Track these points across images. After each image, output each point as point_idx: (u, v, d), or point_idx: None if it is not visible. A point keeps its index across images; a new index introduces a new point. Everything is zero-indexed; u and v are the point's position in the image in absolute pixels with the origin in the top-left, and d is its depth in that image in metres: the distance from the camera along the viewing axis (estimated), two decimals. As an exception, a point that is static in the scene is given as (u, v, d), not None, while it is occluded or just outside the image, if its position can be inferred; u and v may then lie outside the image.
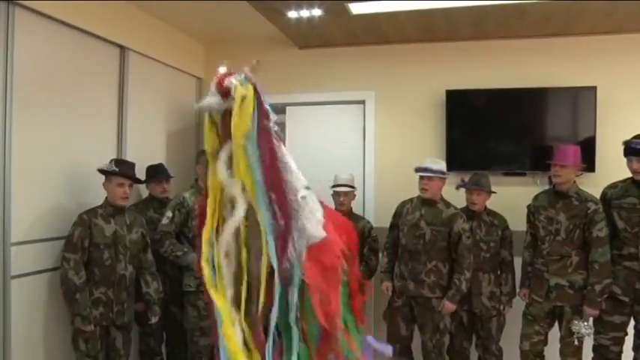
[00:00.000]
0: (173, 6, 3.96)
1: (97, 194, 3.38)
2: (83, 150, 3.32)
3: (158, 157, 4.35)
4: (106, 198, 3.33)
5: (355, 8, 3.76)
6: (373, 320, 4.36)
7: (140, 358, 4.10)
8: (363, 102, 4.74)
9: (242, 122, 1.74)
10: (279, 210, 1.79)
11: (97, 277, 3.22)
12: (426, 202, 3.73)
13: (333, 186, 4.05)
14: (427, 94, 4.53)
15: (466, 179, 3.86)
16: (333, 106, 4.85)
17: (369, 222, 4.13)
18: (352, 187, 4.07)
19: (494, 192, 3.83)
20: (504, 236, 3.83)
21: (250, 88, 1.77)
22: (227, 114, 1.80)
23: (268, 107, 1.85)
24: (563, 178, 3.45)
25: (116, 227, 3.31)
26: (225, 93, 1.78)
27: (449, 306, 3.62)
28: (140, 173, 4.10)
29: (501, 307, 3.78)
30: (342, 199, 3.99)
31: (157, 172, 4.04)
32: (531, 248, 3.69)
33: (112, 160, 3.33)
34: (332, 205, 3.93)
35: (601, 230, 3.36)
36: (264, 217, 1.80)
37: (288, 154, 1.91)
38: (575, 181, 3.53)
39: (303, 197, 1.84)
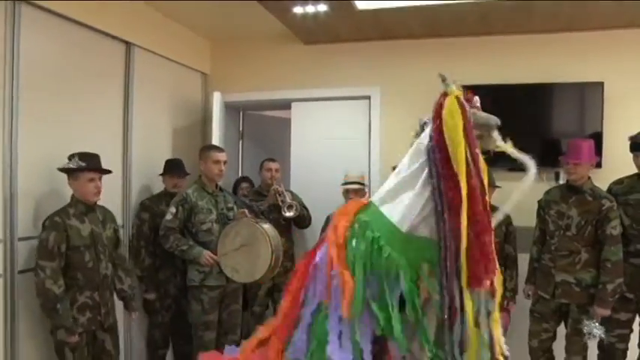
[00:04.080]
0: (179, 2, 3.96)
1: (104, 190, 3.37)
2: (90, 146, 3.32)
3: (164, 152, 4.37)
4: (73, 196, 3.12)
5: (361, 4, 3.75)
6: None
7: (146, 350, 4.14)
8: (368, 97, 4.73)
9: (460, 121, 1.85)
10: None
11: (80, 282, 3.03)
12: None
13: (344, 183, 4.06)
14: (433, 89, 4.47)
15: None
16: (338, 101, 4.84)
17: None
18: (363, 184, 4.07)
19: (498, 186, 3.81)
20: (508, 232, 3.80)
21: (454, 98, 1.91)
22: None
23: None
24: (578, 174, 3.40)
25: (92, 226, 3.12)
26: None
27: None
28: (147, 168, 4.15)
29: (505, 303, 3.76)
30: (352, 196, 4.01)
31: (172, 167, 4.07)
32: (540, 244, 3.66)
33: (74, 155, 3.09)
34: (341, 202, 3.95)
35: (615, 228, 3.31)
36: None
37: None
38: (589, 177, 3.48)
39: None
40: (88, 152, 3.15)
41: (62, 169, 3.10)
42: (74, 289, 3.02)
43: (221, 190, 3.90)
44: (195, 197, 3.72)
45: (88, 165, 3.09)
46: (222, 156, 3.82)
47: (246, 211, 3.67)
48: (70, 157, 3.10)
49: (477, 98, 1.97)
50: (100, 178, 3.18)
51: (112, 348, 3.26)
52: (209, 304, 3.69)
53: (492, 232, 1.84)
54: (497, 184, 3.82)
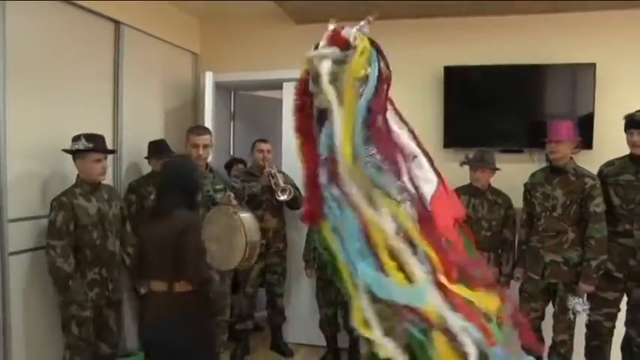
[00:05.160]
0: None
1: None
2: (79, 126, 3.29)
3: (155, 133, 4.34)
4: (78, 176, 3.19)
5: (352, -18, 3.70)
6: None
7: (139, 331, 4.15)
8: (360, 78, 4.70)
9: (357, 68, 1.77)
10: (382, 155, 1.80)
11: (89, 259, 3.15)
12: None
13: None
14: (425, 70, 4.49)
15: (470, 156, 3.83)
16: (330, 82, 4.80)
17: None
18: None
19: (498, 169, 3.82)
20: (507, 215, 3.82)
21: (366, 41, 1.79)
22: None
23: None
24: (560, 153, 3.45)
25: (98, 204, 3.22)
26: (343, 44, 1.77)
27: None
28: (137, 149, 4.12)
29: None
30: None
31: (158, 148, 4.04)
32: (527, 227, 3.70)
33: (79, 137, 3.13)
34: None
35: (598, 206, 3.37)
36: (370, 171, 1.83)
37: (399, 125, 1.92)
38: (572, 157, 3.53)
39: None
40: (93, 133, 3.19)
41: (68, 151, 3.11)
42: (83, 265, 3.13)
43: (211, 171, 3.86)
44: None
45: (95, 146, 3.15)
46: (200, 139, 3.71)
47: (232, 195, 3.63)
48: (76, 138, 3.13)
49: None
50: (105, 158, 3.24)
51: (114, 325, 3.36)
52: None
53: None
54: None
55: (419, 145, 1.97)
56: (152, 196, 3.65)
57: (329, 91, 1.80)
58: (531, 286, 3.60)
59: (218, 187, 3.82)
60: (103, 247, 3.21)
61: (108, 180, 3.80)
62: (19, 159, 3.08)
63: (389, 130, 1.81)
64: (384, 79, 1.79)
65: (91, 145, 3.12)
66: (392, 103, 1.92)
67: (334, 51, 1.82)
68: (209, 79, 4.53)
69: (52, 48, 3.35)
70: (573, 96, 4.23)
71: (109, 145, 3.80)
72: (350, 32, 1.79)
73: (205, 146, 3.74)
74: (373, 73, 1.75)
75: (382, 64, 1.81)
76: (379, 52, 1.79)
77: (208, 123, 4.40)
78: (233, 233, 3.35)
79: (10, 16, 2.97)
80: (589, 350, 3.61)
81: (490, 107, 4.33)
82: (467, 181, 3.88)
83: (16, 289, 3.06)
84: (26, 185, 3.16)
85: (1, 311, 2.99)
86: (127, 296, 3.84)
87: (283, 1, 4.19)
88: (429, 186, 1.92)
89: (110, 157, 3.81)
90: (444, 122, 4.40)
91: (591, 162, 3.69)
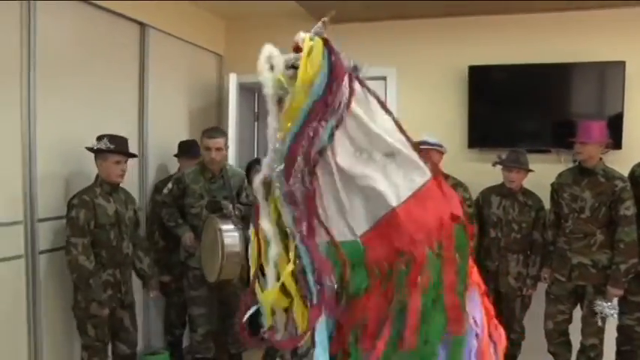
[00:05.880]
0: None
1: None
2: (107, 127, 3.34)
3: (179, 133, 4.39)
4: (98, 176, 3.20)
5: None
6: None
7: (163, 330, 4.20)
8: (384, 79, 4.68)
9: (308, 72, 1.66)
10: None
11: (104, 260, 3.14)
12: None
13: None
14: (449, 70, 4.46)
15: (503, 156, 3.76)
16: (354, 82, 4.79)
17: None
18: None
19: (532, 170, 3.76)
20: (538, 217, 3.73)
21: (319, 41, 1.71)
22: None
23: (349, 64, 1.77)
24: (586, 155, 3.38)
25: (116, 205, 3.23)
26: (296, 49, 1.72)
27: None
28: (162, 149, 4.17)
29: (525, 289, 3.71)
30: None
31: (186, 149, 4.09)
32: (554, 227, 3.64)
33: (103, 137, 3.15)
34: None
35: (628, 209, 3.29)
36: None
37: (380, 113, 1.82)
38: (601, 158, 3.45)
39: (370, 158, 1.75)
40: (117, 135, 3.22)
41: (90, 149, 3.15)
42: (98, 266, 3.12)
43: (223, 176, 3.76)
44: (191, 180, 3.70)
45: (116, 147, 3.16)
46: (212, 142, 3.64)
47: (230, 206, 3.57)
48: (100, 138, 3.16)
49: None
50: (125, 161, 3.25)
51: (130, 325, 3.36)
52: (194, 280, 3.72)
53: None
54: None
55: (406, 138, 1.86)
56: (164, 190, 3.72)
57: (269, 100, 1.79)
58: (558, 288, 3.53)
59: (225, 193, 3.72)
60: (118, 249, 3.21)
61: (133, 180, 3.87)
62: (47, 159, 3.14)
63: (316, 134, 1.72)
64: (335, 78, 1.71)
65: (112, 146, 3.14)
66: (369, 90, 1.83)
67: (291, 56, 1.78)
68: (233, 81, 4.57)
69: (79, 49, 3.41)
70: (602, 95, 4.15)
71: (134, 145, 3.87)
72: (300, 36, 1.74)
73: (218, 149, 3.66)
74: (321, 72, 1.69)
75: (336, 61, 1.74)
76: (331, 51, 1.72)
77: (232, 124, 4.43)
78: (215, 248, 3.35)
79: (40, 16, 3.04)
80: (620, 355, 3.54)
81: (515, 107, 4.27)
82: (489, 181, 3.84)
83: (46, 286, 3.12)
84: (55, 185, 3.23)
85: (31, 307, 3.05)
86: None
87: (307, 2, 4.20)
88: (409, 182, 1.82)
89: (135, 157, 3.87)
90: (468, 122, 4.35)
91: (620, 162, 3.62)
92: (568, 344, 3.61)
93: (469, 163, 3.75)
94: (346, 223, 1.76)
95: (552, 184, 3.66)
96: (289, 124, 1.68)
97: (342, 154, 1.74)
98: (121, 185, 3.34)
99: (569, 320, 3.57)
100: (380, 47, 4.65)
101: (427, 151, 3.62)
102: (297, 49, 1.72)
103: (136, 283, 3.48)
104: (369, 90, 1.84)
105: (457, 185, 3.72)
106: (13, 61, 2.95)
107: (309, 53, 1.67)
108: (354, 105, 1.75)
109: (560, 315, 3.53)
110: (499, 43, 4.32)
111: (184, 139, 4.27)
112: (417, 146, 1.88)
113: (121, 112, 3.80)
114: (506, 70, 4.29)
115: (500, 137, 4.27)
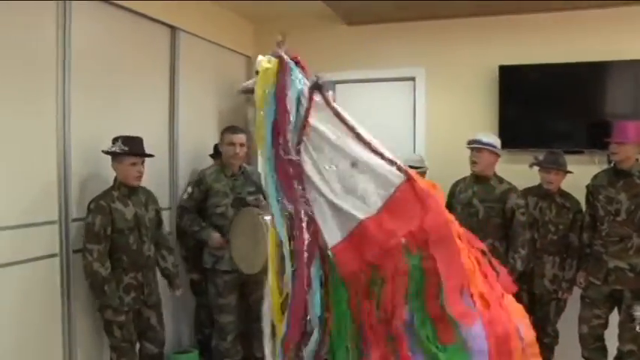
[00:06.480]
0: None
1: (151, 172, 3.45)
2: (137, 129, 3.39)
3: (209, 134, 4.43)
4: (116, 178, 3.19)
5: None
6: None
7: (193, 329, 4.24)
8: (413, 79, 4.66)
9: (259, 90, 1.76)
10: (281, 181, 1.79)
11: (125, 264, 3.13)
12: (479, 180, 3.64)
13: None
14: (479, 70, 4.41)
15: (540, 157, 3.68)
16: (382, 83, 4.78)
17: None
18: (422, 168, 4.00)
19: (570, 172, 3.68)
20: (575, 219, 3.65)
21: (275, 62, 1.79)
22: None
23: (299, 79, 1.84)
24: (621, 155, 3.31)
25: (135, 209, 3.20)
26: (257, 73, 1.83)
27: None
28: (192, 150, 4.21)
29: (560, 293, 3.64)
30: None
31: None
32: (590, 230, 3.56)
33: (117, 139, 3.13)
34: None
35: None
36: (270, 189, 1.81)
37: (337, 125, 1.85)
38: (637, 159, 3.37)
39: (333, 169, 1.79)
40: (131, 136, 3.20)
41: (106, 152, 3.17)
42: (119, 270, 3.13)
43: (243, 173, 3.81)
44: (212, 179, 3.72)
45: (130, 149, 3.14)
46: (236, 138, 3.70)
47: (261, 197, 3.59)
48: (114, 141, 3.15)
49: None
50: (142, 162, 3.23)
51: (157, 324, 3.37)
52: (224, 287, 3.68)
53: None
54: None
55: (369, 146, 1.86)
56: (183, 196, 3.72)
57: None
58: (593, 291, 3.46)
59: (251, 189, 3.77)
60: (139, 252, 3.20)
61: (164, 180, 3.91)
62: (81, 160, 3.20)
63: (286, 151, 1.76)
64: (279, 97, 1.76)
65: (126, 149, 3.11)
66: (329, 105, 1.85)
67: (252, 82, 1.85)
68: (261, 82, 4.58)
69: (111, 51, 3.46)
70: (638, 94, 4.04)
71: (165, 146, 3.92)
72: (258, 59, 1.80)
73: (242, 145, 3.72)
74: (270, 92, 1.73)
75: (290, 78, 1.77)
76: (283, 70, 1.76)
77: (261, 125, 4.43)
78: (258, 235, 3.25)
79: (74, 23, 3.10)
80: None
81: (547, 107, 4.19)
82: (520, 183, 3.77)
83: (79, 283, 3.17)
84: (87, 185, 3.27)
85: (66, 305, 3.10)
86: (186, 295, 3.93)
87: (335, 2, 4.20)
88: (379, 190, 1.81)
89: (165, 158, 3.92)
90: (499, 123, 4.29)
91: (658, 163, 3.52)
92: (604, 350, 3.52)
93: (500, 165, 3.69)
94: (322, 234, 1.79)
95: (587, 186, 3.58)
96: (260, 151, 1.78)
97: (310, 168, 1.78)
98: (147, 186, 3.35)
99: (605, 325, 3.48)
100: (408, 48, 4.63)
101: (479, 150, 3.57)
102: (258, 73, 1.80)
103: (162, 282, 3.51)
104: (328, 103, 1.86)
105: (511, 190, 3.58)
106: (49, 62, 3.01)
107: (263, 77, 1.75)
108: (314, 120, 1.77)
109: (596, 319, 3.45)
110: (530, 42, 4.25)
111: (214, 139, 4.30)
112: (383, 154, 1.87)
113: (151, 114, 3.85)
114: (537, 70, 4.22)
115: (531, 138, 4.20)
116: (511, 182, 3.64)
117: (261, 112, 1.77)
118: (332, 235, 1.78)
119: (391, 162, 1.83)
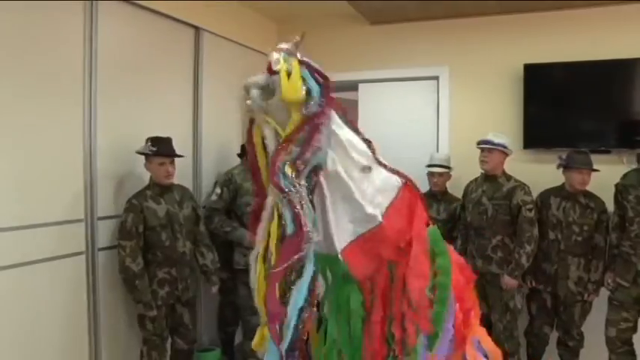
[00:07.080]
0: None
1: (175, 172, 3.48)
2: (162, 129, 3.43)
3: (233, 134, 4.46)
4: (151, 178, 3.31)
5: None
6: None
7: (217, 326, 4.27)
8: (436, 78, 4.63)
9: (292, 92, 1.66)
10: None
11: (159, 259, 3.24)
12: (488, 178, 3.71)
13: (428, 165, 4.01)
14: (504, 68, 4.35)
15: (564, 157, 3.62)
16: (405, 82, 4.76)
17: None
18: (447, 167, 4.01)
19: (597, 170, 3.62)
20: (600, 220, 3.58)
21: (295, 63, 1.70)
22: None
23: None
24: None
25: (167, 206, 3.29)
26: (269, 69, 1.73)
27: (509, 281, 3.56)
28: (216, 150, 4.24)
29: (586, 295, 3.57)
30: (435, 179, 3.99)
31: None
32: (618, 230, 3.49)
33: (148, 140, 3.25)
34: (426, 185, 3.97)
35: None
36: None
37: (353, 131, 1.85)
38: None
39: (337, 173, 1.77)
40: (160, 137, 3.28)
41: (139, 152, 3.25)
42: (154, 265, 3.23)
43: None
44: (241, 179, 3.74)
45: (158, 150, 3.23)
46: None
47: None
48: (146, 141, 3.25)
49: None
50: (171, 162, 3.30)
51: (189, 322, 3.44)
52: None
53: None
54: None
55: (374, 153, 1.86)
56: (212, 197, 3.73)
57: (262, 120, 1.78)
58: (622, 294, 3.38)
59: None
60: (173, 248, 3.28)
61: (188, 180, 3.95)
62: (107, 160, 3.25)
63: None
64: (327, 92, 1.72)
65: (154, 149, 3.21)
66: (342, 111, 1.83)
67: (261, 77, 1.77)
68: (285, 82, 4.59)
69: (136, 52, 3.51)
70: (668, 93, 3.95)
71: (189, 146, 3.95)
72: (273, 56, 1.71)
73: None
74: (313, 90, 1.68)
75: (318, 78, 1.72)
76: (311, 68, 1.71)
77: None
78: None
79: (101, 24, 3.15)
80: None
81: (573, 106, 4.12)
82: (545, 183, 3.72)
83: (105, 281, 3.24)
84: (113, 184, 3.33)
85: (92, 302, 3.16)
86: (202, 294, 3.97)
87: (358, 2, 4.20)
88: (381, 198, 1.83)
89: (189, 158, 3.96)
90: (523, 122, 4.24)
91: (688, 163, 3.44)
92: (632, 354, 3.44)
93: (524, 165, 3.65)
94: (332, 238, 1.79)
95: (616, 185, 3.50)
96: (291, 147, 1.68)
97: (329, 172, 1.77)
98: (177, 184, 3.42)
99: (634, 329, 3.41)
100: (431, 46, 4.60)
101: (489, 150, 3.58)
102: (270, 69, 1.73)
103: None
104: (337, 106, 1.85)
105: (518, 187, 3.60)
106: (76, 63, 3.06)
107: (288, 77, 1.69)
108: (334, 125, 1.77)
109: (624, 323, 3.37)
110: (555, 40, 4.18)
111: (238, 139, 4.33)
112: (382, 162, 1.89)
113: (176, 114, 3.89)
114: (563, 68, 4.15)
115: (557, 138, 4.13)
116: (519, 180, 3.67)
117: (294, 110, 1.71)
118: (342, 239, 1.79)
119: (384, 165, 1.89)
